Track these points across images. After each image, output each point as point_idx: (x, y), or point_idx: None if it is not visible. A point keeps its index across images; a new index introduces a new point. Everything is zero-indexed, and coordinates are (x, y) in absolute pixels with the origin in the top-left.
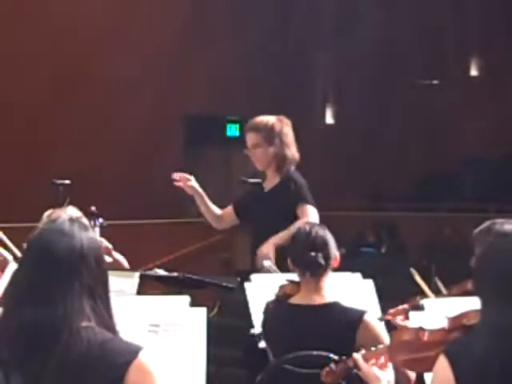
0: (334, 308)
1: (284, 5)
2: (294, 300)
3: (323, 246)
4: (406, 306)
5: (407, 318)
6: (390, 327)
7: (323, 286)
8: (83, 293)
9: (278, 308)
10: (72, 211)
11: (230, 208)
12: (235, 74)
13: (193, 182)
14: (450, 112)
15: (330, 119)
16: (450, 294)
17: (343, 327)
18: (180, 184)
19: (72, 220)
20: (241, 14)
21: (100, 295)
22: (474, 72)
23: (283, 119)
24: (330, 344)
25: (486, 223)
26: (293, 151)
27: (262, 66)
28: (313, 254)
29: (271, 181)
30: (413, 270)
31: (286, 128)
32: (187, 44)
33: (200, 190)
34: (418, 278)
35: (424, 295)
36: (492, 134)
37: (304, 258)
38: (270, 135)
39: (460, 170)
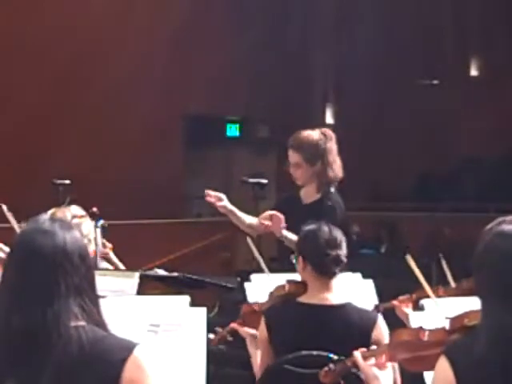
0: (348, 308)
1: (284, 5)
2: (304, 299)
3: (341, 246)
4: (413, 295)
5: (414, 307)
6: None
7: (334, 286)
8: (70, 292)
9: (286, 308)
10: (76, 210)
11: (267, 214)
12: (235, 74)
13: (225, 202)
14: (449, 112)
15: (329, 119)
16: (458, 290)
17: (360, 328)
18: (212, 200)
19: (53, 219)
20: (241, 13)
21: (87, 293)
22: (474, 72)
23: (327, 133)
24: (346, 344)
25: (497, 220)
26: (336, 169)
27: (261, 66)
28: (337, 251)
29: (310, 195)
30: (408, 257)
31: (330, 144)
32: (187, 44)
33: (231, 207)
34: (412, 265)
35: (419, 284)
36: (492, 133)
37: (328, 254)
38: (312, 156)
39: (460, 169)
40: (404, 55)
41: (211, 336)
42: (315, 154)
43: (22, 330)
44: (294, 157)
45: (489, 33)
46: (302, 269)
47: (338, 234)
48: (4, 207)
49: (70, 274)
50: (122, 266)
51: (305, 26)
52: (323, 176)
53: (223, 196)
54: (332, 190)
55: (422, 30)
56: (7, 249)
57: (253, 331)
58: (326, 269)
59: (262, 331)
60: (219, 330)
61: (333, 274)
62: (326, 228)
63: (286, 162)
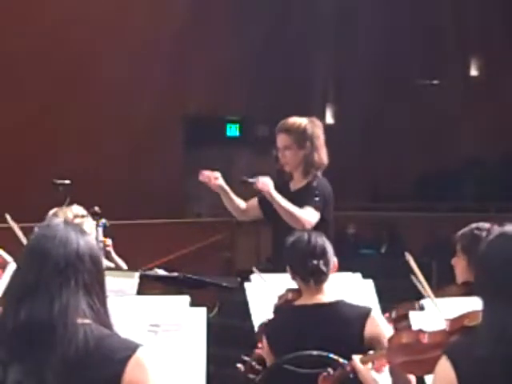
0: (340, 305)
1: (284, 5)
2: (298, 303)
3: (323, 254)
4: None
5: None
6: None
7: (325, 288)
8: (79, 288)
9: (282, 312)
10: (77, 209)
11: (254, 200)
12: (235, 74)
13: (220, 181)
14: (449, 112)
15: (330, 119)
16: (448, 292)
17: (352, 323)
18: (205, 180)
19: (67, 223)
20: (241, 13)
21: (97, 293)
22: (473, 72)
23: (315, 121)
24: (339, 340)
25: (470, 226)
26: (322, 155)
27: (262, 65)
28: (315, 262)
29: (297, 182)
30: (408, 255)
31: (318, 130)
32: (187, 44)
33: (226, 186)
34: (412, 264)
35: (418, 280)
36: (492, 133)
37: (306, 266)
38: (301, 138)
39: (460, 169)
40: (404, 55)
41: (240, 366)
42: (303, 137)
43: (28, 322)
44: (283, 139)
45: (489, 33)
46: (292, 277)
47: (319, 241)
48: (8, 217)
49: (81, 272)
50: (123, 264)
51: (305, 26)
52: (310, 160)
53: (218, 174)
54: (319, 175)
55: (421, 30)
56: (5, 254)
57: None
58: (310, 278)
59: (264, 343)
60: (246, 358)
61: (318, 282)
62: (305, 237)
63: (274, 150)
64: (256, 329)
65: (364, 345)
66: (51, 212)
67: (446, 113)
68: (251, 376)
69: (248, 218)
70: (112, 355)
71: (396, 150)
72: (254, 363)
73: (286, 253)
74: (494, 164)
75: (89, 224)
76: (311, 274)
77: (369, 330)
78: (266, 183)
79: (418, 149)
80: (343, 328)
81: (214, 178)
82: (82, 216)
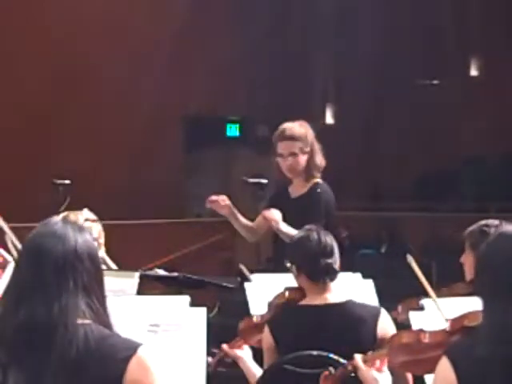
0: (350, 305)
1: (284, 5)
2: (304, 303)
3: (333, 252)
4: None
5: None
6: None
7: (332, 287)
8: (78, 289)
9: (288, 313)
10: (88, 214)
11: (260, 217)
12: (235, 74)
13: (227, 202)
14: (449, 112)
15: (330, 119)
16: (450, 291)
17: (365, 323)
18: (213, 206)
19: (65, 221)
20: (241, 13)
21: (95, 293)
22: (473, 72)
23: (305, 124)
24: (352, 340)
25: (479, 224)
26: (321, 157)
27: (261, 65)
28: (329, 260)
29: (299, 188)
30: (410, 257)
31: (312, 133)
32: (187, 43)
33: (234, 210)
34: (414, 266)
35: (420, 284)
36: (492, 133)
37: (319, 265)
38: (305, 144)
39: (460, 169)
40: (404, 55)
41: (209, 359)
42: (306, 143)
43: (27, 322)
44: (289, 146)
45: (489, 33)
46: (297, 276)
47: (328, 240)
48: None
49: (80, 272)
50: (114, 267)
51: (305, 26)
52: (312, 164)
53: (224, 197)
54: (320, 180)
55: (421, 30)
56: (5, 254)
57: (242, 353)
58: (318, 277)
59: (266, 341)
60: (216, 351)
61: (332, 281)
62: (315, 235)
63: (273, 157)
64: (241, 324)
65: (376, 344)
66: (61, 216)
67: (446, 113)
68: (220, 369)
69: (258, 236)
70: (113, 355)
71: (396, 149)
72: (223, 356)
73: (292, 250)
74: (494, 164)
75: (97, 228)
76: (326, 273)
77: (380, 329)
78: (274, 219)
79: (417, 149)
80: (357, 328)
81: (222, 200)
82: (93, 220)
